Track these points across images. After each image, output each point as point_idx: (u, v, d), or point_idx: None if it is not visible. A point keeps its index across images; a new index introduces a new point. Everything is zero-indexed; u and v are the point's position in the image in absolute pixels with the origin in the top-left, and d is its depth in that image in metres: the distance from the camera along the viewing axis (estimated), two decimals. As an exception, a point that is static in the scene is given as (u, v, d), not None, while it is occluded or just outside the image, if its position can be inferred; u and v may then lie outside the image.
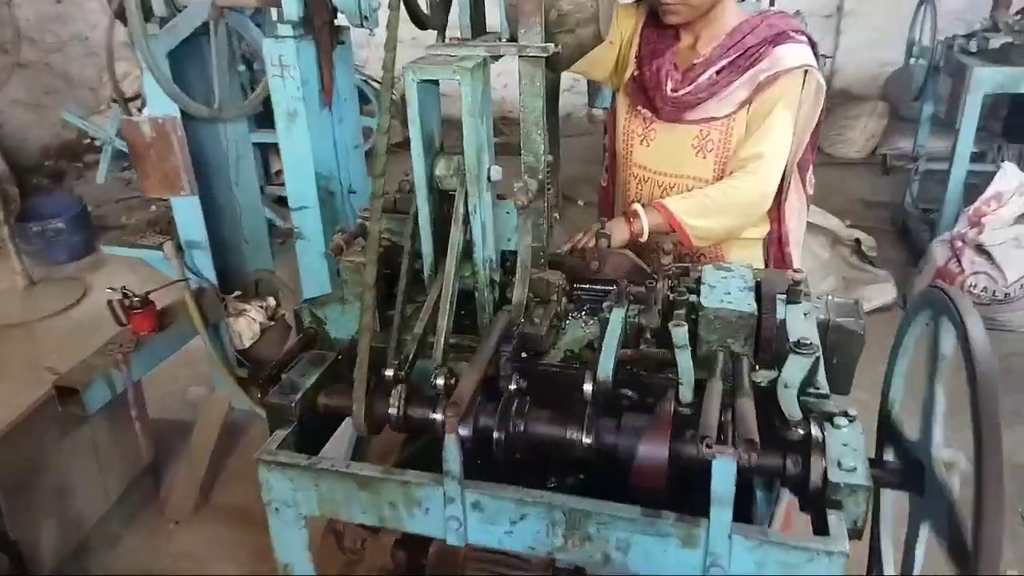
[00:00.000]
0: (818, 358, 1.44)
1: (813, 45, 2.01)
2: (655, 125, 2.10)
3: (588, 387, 1.34)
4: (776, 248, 2.24)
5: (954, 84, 4.57)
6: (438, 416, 1.43)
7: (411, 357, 1.48)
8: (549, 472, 1.52)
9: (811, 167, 2.17)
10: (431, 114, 1.52)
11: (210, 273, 3.06)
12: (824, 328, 1.78)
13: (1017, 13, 4.67)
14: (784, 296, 1.66)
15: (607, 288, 1.78)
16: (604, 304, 1.65)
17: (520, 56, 1.49)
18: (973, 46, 4.37)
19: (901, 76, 6.64)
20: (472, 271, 1.59)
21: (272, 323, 3.31)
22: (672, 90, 2.00)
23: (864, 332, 1.81)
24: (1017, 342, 4.18)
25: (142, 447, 3.14)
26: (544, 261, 1.70)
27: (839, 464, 1.25)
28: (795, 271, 1.94)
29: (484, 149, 1.52)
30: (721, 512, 1.16)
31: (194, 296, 2.94)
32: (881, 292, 4.48)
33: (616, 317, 1.50)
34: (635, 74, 2.11)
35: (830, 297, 1.87)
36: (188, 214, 2.97)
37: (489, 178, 1.55)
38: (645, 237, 2.02)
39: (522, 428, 1.41)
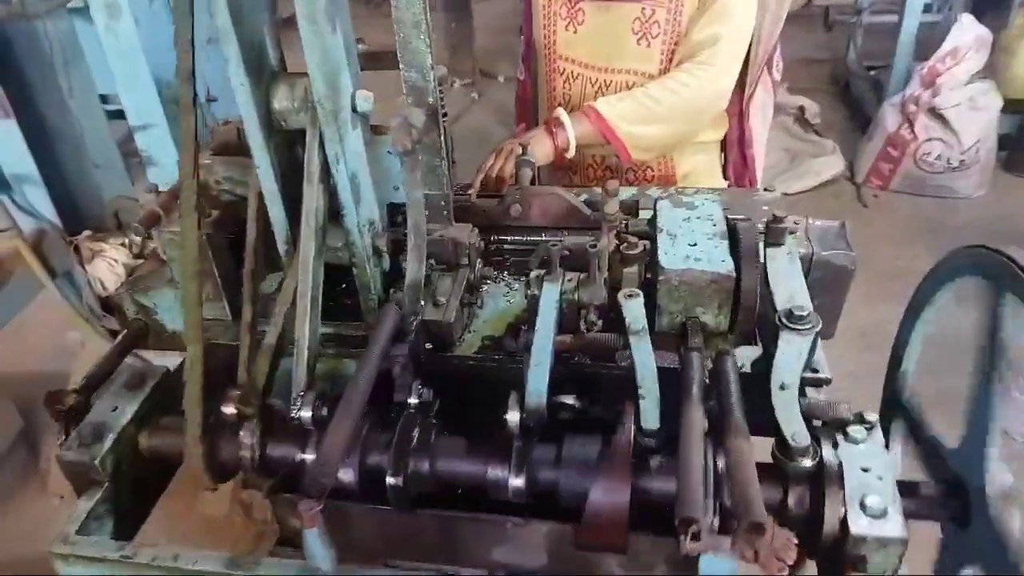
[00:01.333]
0: (818, 332, 1.07)
1: None
2: (584, 4, 1.61)
3: (513, 417, 0.94)
4: (737, 150, 1.83)
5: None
6: (308, 458, 1.03)
7: (265, 381, 1.04)
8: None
9: (778, 48, 1.73)
10: (256, 14, 1.02)
11: (49, 210, 2.49)
12: (807, 264, 1.42)
13: None
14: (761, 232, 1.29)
15: (535, 240, 1.35)
16: (531, 272, 1.23)
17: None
18: None
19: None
20: (346, 241, 1.14)
21: (142, 260, 2.77)
22: None
23: (855, 265, 1.45)
24: (969, 210, 3.95)
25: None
26: (447, 212, 1.26)
27: (863, 505, 0.90)
28: (766, 189, 1.56)
29: (342, 68, 1.03)
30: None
31: (32, 243, 2.40)
32: (829, 164, 4.15)
33: (548, 297, 1.08)
34: None
35: (810, 221, 1.50)
36: (8, 142, 2.36)
37: (355, 108, 1.07)
38: (572, 152, 1.58)
39: (427, 467, 1.02)
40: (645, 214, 1.40)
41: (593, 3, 1.60)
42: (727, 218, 1.26)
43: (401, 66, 1.11)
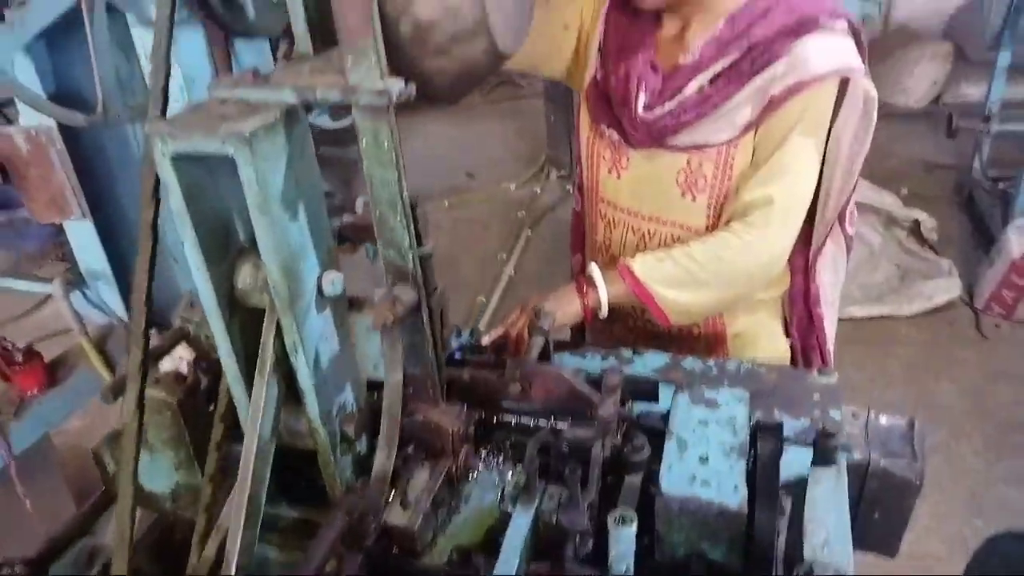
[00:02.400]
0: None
1: (856, 33, 1.35)
2: (628, 150, 1.49)
3: None
4: (803, 307, 1.63)
5: (1040, 32, 3.76)
6: None
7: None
8: None
9: (853, 202, 1.54)
10: (217, 195, 0.95)
11: (118, 307, 2.55)
12: (862, 473, 1.21)
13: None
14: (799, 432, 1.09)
15: (538, 424, 1.21)
16: (507, 482, 1.09)
17: (354, 105, 0.90)
18: (1067, -16, 3.55)
19: (971, 13, 5.74)
20: (310, 426, 1.04)
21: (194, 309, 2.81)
22: (646, 107, 1.38)
23: (921, 479, 1.22)
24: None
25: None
26: (434, 392, 1.14)
27: None
28: (820, 372, 1.35)
29: (304, 254, 0.95)
30: None
31: (97, 339, 2.46)
32: (944, 288, 3.78)
33: (516, 531, 0.93)
34: (597, 76, 1.48)
35: (872, 416, 1.28)
36: (84, 240, 2.46)
37: (322, 292, 0.98)
38: (604, 313, 1.44)
39: None
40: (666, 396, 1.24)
41: (638, 149, 1.47)
42: (753, 420, 1.09)
43: (379, 244, 1.02)
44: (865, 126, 1.39)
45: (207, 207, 0.94)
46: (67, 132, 2.32)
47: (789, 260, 1.53)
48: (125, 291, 2.57)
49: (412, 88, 0.88)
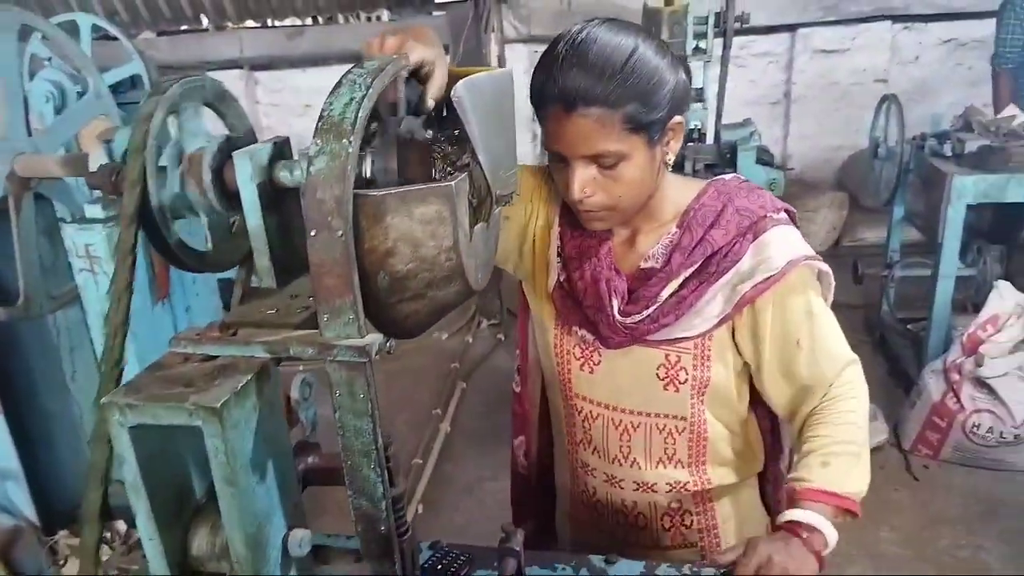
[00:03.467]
0: None
1: (792, 215, 1.46)
2: (599, 347, 1.49)
3: None
4: (772, 471, 1.64)
5: (929, 191, 4.09)
6: None
7: None
8: None
9: None
10: (175, 455, 0.88)
11: (28, 508, 2.34)
12: None
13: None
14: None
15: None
16: None
17: (329, 360, 0.86)
18: (947, 149, 3.90)
19: (859, 166, 6.27)
20: None
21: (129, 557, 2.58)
22: (622, 313, 1.40)
23: None
24: (1031, 485, 3.60)
25: None
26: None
27: None
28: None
29: (272, 516, 0.88)
30: None
31: (3, 546, 2.23)
32: (872, 432, 3.86)
33: None
34: (562, 280, 1.50)
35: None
36: (-6, 437, 2.28)
37: (287, 553, 0.91)
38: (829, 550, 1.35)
39: None
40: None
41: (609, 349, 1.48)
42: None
43: (349, 493, 0.96)
44: (826, 287, 1.46)
45: (164, 472, 0.87)
46: (-18, 321, 2.20)
47: (759, 424, 1.58)
48: (36, 491, 2.38)
49: (393, 343, 0.86)
